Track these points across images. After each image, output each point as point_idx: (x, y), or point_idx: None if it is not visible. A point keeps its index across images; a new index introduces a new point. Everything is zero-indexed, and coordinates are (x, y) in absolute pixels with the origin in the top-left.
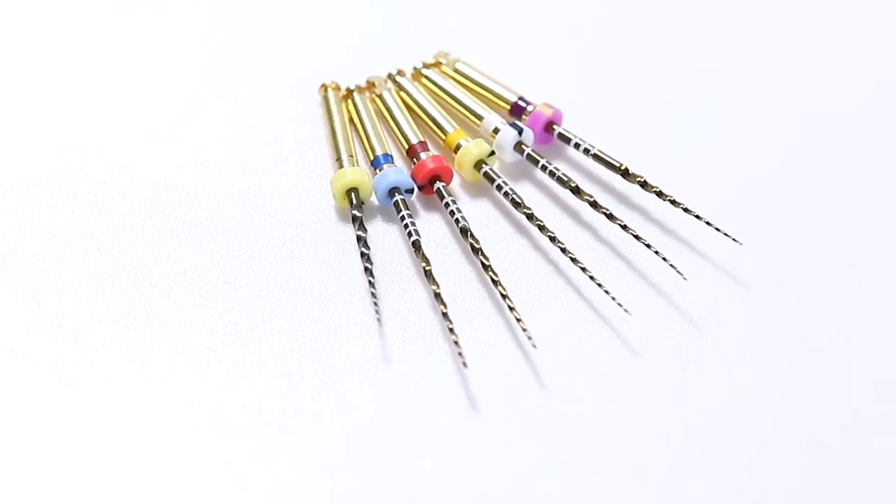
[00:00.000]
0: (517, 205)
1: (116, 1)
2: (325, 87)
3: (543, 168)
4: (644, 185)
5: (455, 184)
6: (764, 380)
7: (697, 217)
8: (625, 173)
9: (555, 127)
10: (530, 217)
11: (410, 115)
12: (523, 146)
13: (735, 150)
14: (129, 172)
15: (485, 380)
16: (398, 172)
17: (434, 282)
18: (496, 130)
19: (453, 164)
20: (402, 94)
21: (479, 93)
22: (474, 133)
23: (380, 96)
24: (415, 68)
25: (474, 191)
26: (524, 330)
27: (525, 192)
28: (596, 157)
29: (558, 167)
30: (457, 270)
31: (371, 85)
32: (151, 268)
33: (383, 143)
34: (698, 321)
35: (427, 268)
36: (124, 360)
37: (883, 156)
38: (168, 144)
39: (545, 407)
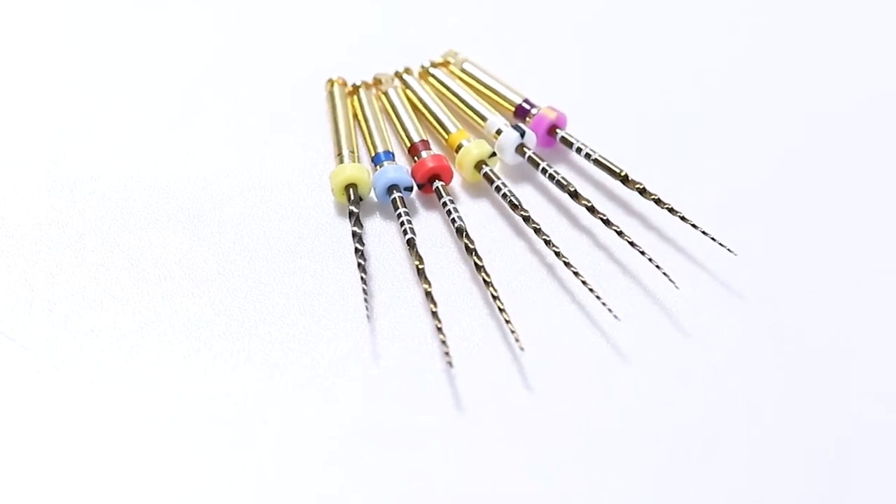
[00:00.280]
0: (515, 206)
1: None
2: (331, 82)
3: (544, 171)
4: (643, 191)
5: (456, 184)
6: (752, 391)
7: (694, 226)
8: (624, 179)
9: (558, 130)
10: (527, 219)
11: (415, 113)
12: (525, 148)
13: (740, 156)
14: (131, 161)
15: (472, 380)
16: (398, 170)
17: (426, 280)
18: (499, 132)
19: (455, 163)
20: (408, 91)
21: (484, 94)
22: (478, 134)
23: (385, 93)
24: (422, 67)
25: (475, 191)
26: (512, 332)
27: (526, 194)
28: (597, 162)
29: (558, 171)
30: (452, 270)
31: (378, 81)
32: (146, 256)
33: (385, 140)
34: (690, 329)
35: (420, 266)
36: (113, 346)
37: (880, 167)
38: (171, 134)
39: (531, 409)
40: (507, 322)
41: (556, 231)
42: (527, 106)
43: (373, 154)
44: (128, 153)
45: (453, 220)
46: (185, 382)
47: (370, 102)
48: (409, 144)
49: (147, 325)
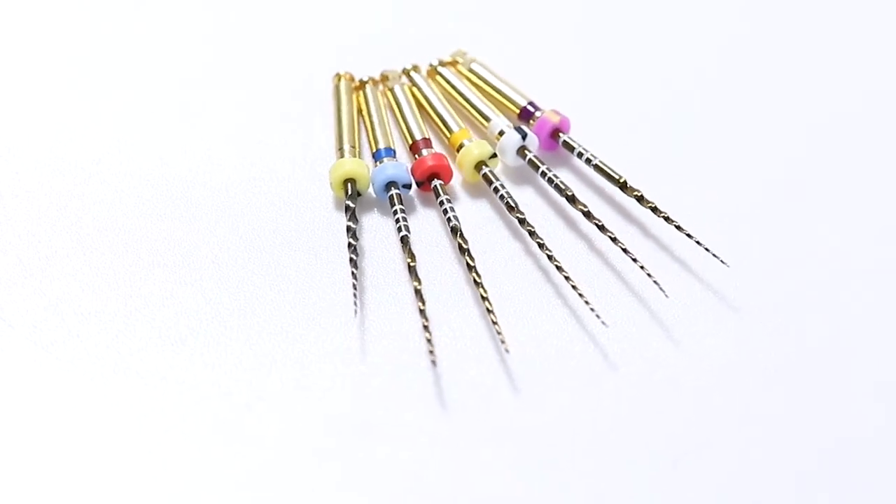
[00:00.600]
0: (511, 208)
1: None
2: (338, 77)
3: (543, 174)
4: (640, 199)
5: (457, 184)
6: (740, 403)
7: (689, 235)
8: (623, 186)
9: (561, 134)
10: (522, 222)
11: (419, 111)
12: (526, 151)
13: (743, 166)
14: (133, 147)
15: (458, 380)
16: (397, 167)
17: (416, 278)
18: (501, 133)
19: (456, 163)
20: (414, 89)
21: (490, 95)
22: (482, 134)
23: (391, 90)
24: (430, 65)
25: (475, 191)
26: (499, 333)
27: (526, 197)
28: (597, 167)
29: (558, 175)
30: (446, 269)
31: (385, 78)
32: (141, 242)
33: (387, 137)
34: (680, 338)
35: (412, 264)
36: (102, 330)
37: (875, 181)
38: (175, 123)
39: (515, 412)
40: (495, 323)
41: (553, 235)
42: (531, 109)
43: (374, 150)
44: (131, 140)
45: (449, 220)
46: (170, 370)
47: (375, 99)
48: (410, 142)
49: (137, 311)
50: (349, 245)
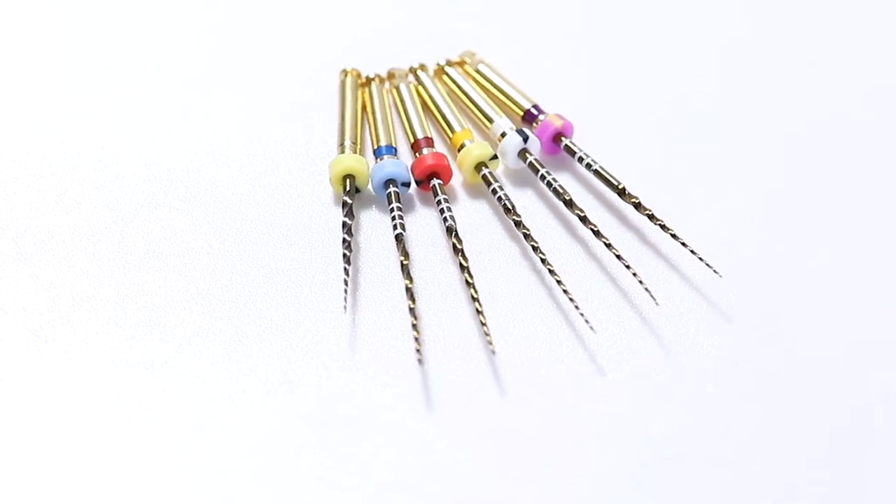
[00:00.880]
0: (508, 210)
1: None
2: (345, 72)
3: (542, 178)
4: (638, 206)
5: (457, 184)
6: (725, 411)
7: (683, 244)
8: (621, 192)
9: (563, 139)
10: (518, 224)
11: (423, 110)
12: (527, 154)
13: (745, 174)
14: (135, 135)
15: (444, 380)
16: (396, 165)
17: (408, 276)
18: (503, 135)
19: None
20: (419, 88)
21: (495, 96)
22: (486, 135)
23: (397, 88)
24: (438, 64)
25: (475, 192)
26: (486, 335)
27: (526, 199)
28: (597, 173)
29: (557, 178)
30: (440, 269)
31: (391, 76)
32: (138, 229)
33: (390, 135)
34: (670, 346)
35: (404, 262)
36: (92, 316)
37: (869, 195)
38: (179, 114)
39: (500, 413)
40: (483, 324)
41: (551, 238)
42: (535, 112)
43: (375, 147)
44: (134, 127)
45: (445, 220)
46: (156, 359)
47: (380, 96)
48: (412, 140)
49: (127, 299)
50: (343, 241)
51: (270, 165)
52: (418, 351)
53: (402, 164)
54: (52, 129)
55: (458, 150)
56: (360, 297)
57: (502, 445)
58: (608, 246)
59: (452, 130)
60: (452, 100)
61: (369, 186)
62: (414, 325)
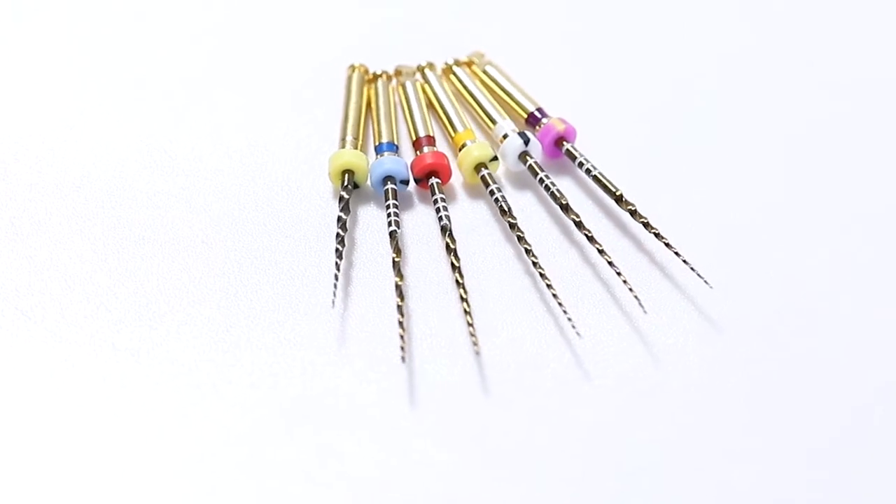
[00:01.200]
0: (504, 212)
1: None
2: (352, 68)
3: (541, 181)
4: (634, 213)
5: (457, 184)
6: (710, 422)
7: (677, 254)
8: (618, 199)
9: (564, 143)
10: (513, 226)
11: (428, 108)
12: (528, 156)
13: (746, 183)
14: (140, 123)
15: (429, 378)
16: (395, 162)
17: (399, 273)
18: (505, 136)
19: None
20: (425, 86)
21: (501, 98)
22: (489, 136)
23: (403, 85)
24: (446, 64)
25: (475, 193)
26: (472, 335)
27: (525, 202)
28: (595, 178)
29: (555, 182)
30: (434, 268)
31: (398, 73)
32: (135, 216)
33: (392, 132)
34: (659, 354)
35: (396, 259)
36: (82, 300)
37: (862, 208)
38: (184, 103)
39: (482, 414)
40: (470, 325)
41: (546, 242)
42: (538, 115)
43: (377, 143)
44: (137, 116)
45: (440, 219)
46: (143, 345)
47: (386, 93)
48: (414, 138)
49: (118, 285)
50: (337, 235)
51: (271, 158)
52: (402, 348)
53: (402, 161)
54: (55, 113)
55: (459, 150)
56: (352, 292)
57: (483, 447)
58: (601, 252)
59: (455, 130)
60: (458, 100)
61: (369, 182)
62: (400, 323)
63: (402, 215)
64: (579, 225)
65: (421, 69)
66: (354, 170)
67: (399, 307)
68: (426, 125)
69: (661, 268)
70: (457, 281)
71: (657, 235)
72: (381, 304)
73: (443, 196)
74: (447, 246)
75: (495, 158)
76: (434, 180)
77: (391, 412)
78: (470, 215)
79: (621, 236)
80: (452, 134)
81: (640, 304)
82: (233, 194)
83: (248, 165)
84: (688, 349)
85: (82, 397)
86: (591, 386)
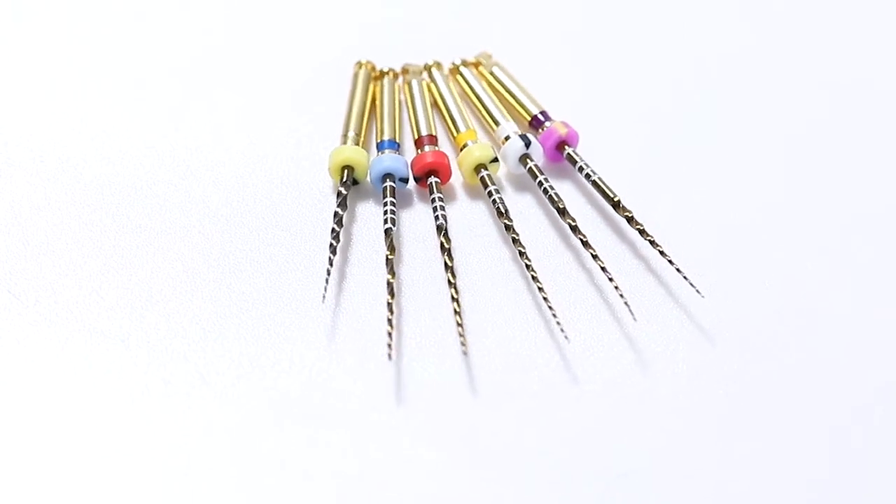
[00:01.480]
0: (500, 214)
1: None
2: (359, 64)
3: (540, 185)
4: (630, 220)
5: (458, 184)
6: (696, 430)
7: (670, 262)
8: (615, 205)
9: (566, 147)
10: (508, 228)
11: (432, 107)
12: (528, 159)
13: (746, 192)
14: (141, 113)
15: (417, 376)
16: (395, 160)
17: (391, 271)
18: (507, 138)
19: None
20: (431, 85)
21: (506, 99)
22: (492, 137)
23: (409, 84)
24: (453, 63)
25: (475, 194)
26: (461, 335)
27: (524, 205)
28: (594, 184)
29: (554, 186)
30: (428, 267)
31: (405, 71)
32: (133, 203)
33: (395, 129)
34: (648, 361)
35: (389, 256)
36: (76, 284)
37: (850, 219)
38: (189, 95)
39: (468, 414)
40: (459, 325)
41: (543, 245)
42: (542, 118)
43: (379, 140)
44: (140, 107)
45: (436, 218)
46: (132, 332)
47: (391, 90)
48: (416, 136)
49: (110, 270)
50: (332, 230)
51: (272, 152)
52: (389, 346)
53: (402, 159)
54: (58, 99)
55: (461, 151)
56: (345, 288)
57: (469, 447)
58: (595, 257)
59: (458, 130)
60: (463, 100)
61: (368, 179)
62: (389, 320)
63: (400, 213)
64: (575, 229)
65: (428, 68)
66: (354, 166)
67: (389, 304)
68: (429, 124)
69: (657, 275)
70: (449, 280)
71: (652, 243)
72: (373, 300)
73: (440, 195)
74: (441, 245)
75: (496, 160)
76: (433, 179)
77: (378, 409)
78: (468, 216)
79: (619, 242)
80: (455, 134)
81: (630, 310)
82: (232, 186)
83: (248, 159)
84: (677, 357)
85: (69, 382)
86: (578, 390)
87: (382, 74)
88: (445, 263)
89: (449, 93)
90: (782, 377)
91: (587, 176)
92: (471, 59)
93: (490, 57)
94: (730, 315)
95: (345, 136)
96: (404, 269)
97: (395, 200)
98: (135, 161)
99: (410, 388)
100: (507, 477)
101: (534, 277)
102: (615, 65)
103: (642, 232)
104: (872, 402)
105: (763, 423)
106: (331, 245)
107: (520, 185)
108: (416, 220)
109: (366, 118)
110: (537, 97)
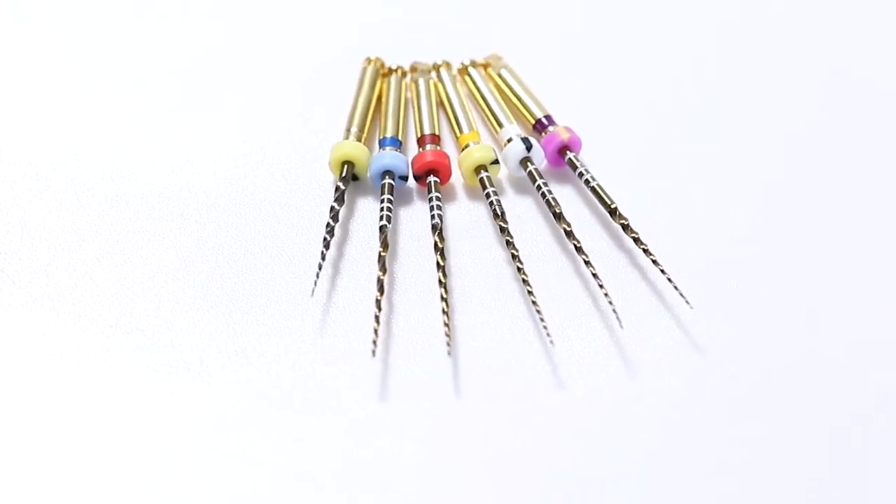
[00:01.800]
0: (496, 216)
1: None
2: (368, 60)
3: (538, 188)
4: (626, 227)
5: (458, 184)
6: (679, 439)
7: (662, 271)
8: (612, 212)
9: (568, 152)
10: (503, 230)
11: (438, 107)
12: (528, 162)
13: (746, 199)
14: (142, 105)
15: (402, 374)
16: (395, 157)
17: (382, 268)
18: (509, 141)
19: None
20: (438, 84)
21: (512, 102)
22: (496, 139)
23: (416, 82)
24: (462, 64)
25: (475, 194)
26: (447, 335)
27: (523, 208)
28: (593, 190)
29: (552, 190)
30: (422, 265)
31: (414, 69)
32: (132, 190)
33: (399, 127)
34: (636, 369)
35: (382, 253)
36: (69, 268)
37: (841, 230)
38: (193, 90)
39: (451, 414)
40: (446, 325)
41: (540, 249)
42: (545, 122)
43: (381, 137)
44: (141, 98)
45: (432, 217)
46: (121, 319)
47: (398, 88)
48: (419, 135)
49: (108, 256)
50: (327, 225)
51: (275, 146)
52: (374, 342)
53: (402, 157)
54: (58, 86)
55: (462, 151)
56: (338, 283)
57: (451, 446)
58: (587, 263)
59: (461, 130)
60: (469, 101)
61: (369, 175)
62: (376, 317)
63: (399, 212)
64: (569, 234)
65: (436, 67)
66: (354, 161)
67: (377, 301)
68: (433, 123)
69: (651, 283)
70: (439, 280)
71: (646, 252)
72: (364, 297)
73: (438, 195)
74: (435, 244)
75: (496, 162)
76: (432, 179)
77: (361, 405)
78: (467, 216)
79: (616, 249)
80: (458, 134)
81: (617, 317)
82: (232, 177)
83: (250, 151)
84: (664, 365)
85: (57, 365)
86: (563, 395)
87: (391, 71)
88: (437, 262)
89: (455, 93)
90: (770, 386)
91: (586, 182)
92: (480, 60)
93: (500, 59)
94: (719, 325)
95: (347, 131)
96: (398, 267)
97: (392, 198)
98: (134, 148)
99: (395, 386)
100: (486, 477)
101: (524, 280)
102: (619, 67)
103: (637, 240)
104: (857, 419)
105: (749, 431)
106: (324, 239)
107: (520, 188)
108: (414, 218)
109: (370, 115)
110: (542, 100)
